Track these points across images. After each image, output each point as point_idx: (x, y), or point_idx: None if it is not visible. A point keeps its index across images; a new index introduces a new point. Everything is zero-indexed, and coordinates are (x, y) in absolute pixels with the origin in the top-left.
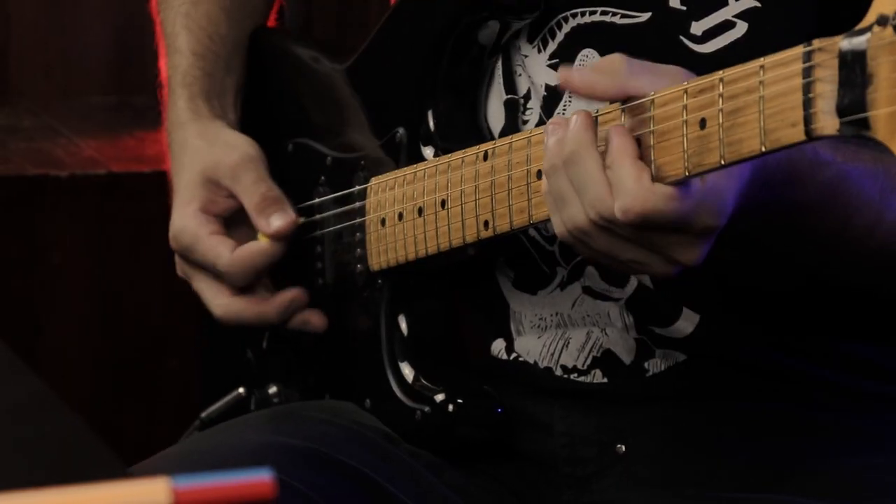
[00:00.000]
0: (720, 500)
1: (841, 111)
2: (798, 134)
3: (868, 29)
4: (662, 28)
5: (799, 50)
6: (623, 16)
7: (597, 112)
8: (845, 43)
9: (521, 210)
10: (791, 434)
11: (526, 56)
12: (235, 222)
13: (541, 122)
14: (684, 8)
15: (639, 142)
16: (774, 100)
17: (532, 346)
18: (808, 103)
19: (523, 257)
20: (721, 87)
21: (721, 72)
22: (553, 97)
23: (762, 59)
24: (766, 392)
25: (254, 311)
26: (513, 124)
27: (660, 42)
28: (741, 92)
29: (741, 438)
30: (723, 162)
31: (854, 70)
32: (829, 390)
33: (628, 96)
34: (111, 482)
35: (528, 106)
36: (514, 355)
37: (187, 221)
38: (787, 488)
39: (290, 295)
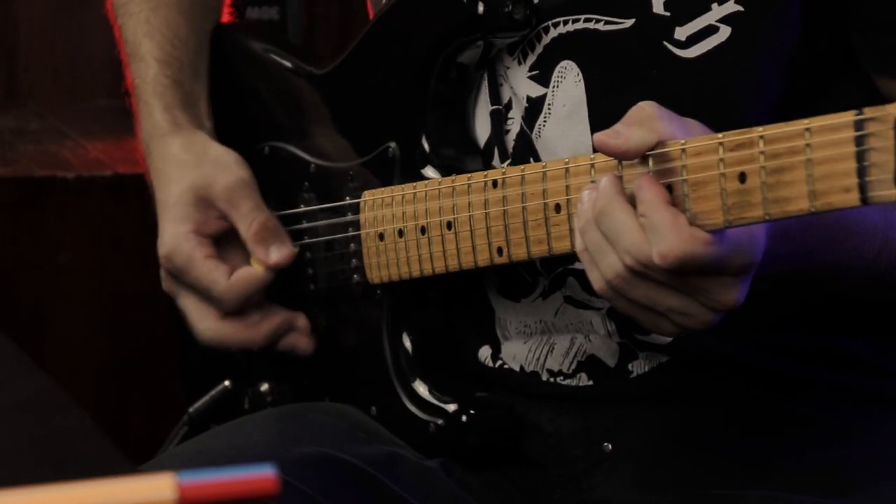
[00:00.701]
0: (705, 497)
1: None
2: (853, 200)
3: None
4: (646, 34)
5: (849, 117)
6: (607, 22)
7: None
8: None
9: (539, 241)
10: (773, 431)
11: (508, 68)
12: (224, 241)
13: (522, 132)
14: (668, 13)
15: (670, 189)
16: (824, 164)
17: (518, 351)
18: (862, 171)
19: (508, 266)
20: (762, 144)
21: (760, 128)
22: (534, 109)
23: (806, 120)
24: (748, 391)
25: (241, 336)
26: (497, 134)
27: (644, 48)
28: (784, 152)
29: (724, 436)
30: (768, 217)
31: None
32: (810, 388)
33: (660, 141)
34: (118, 478)
35: (510, 116)
36: (499, 363)
37: (181, 243)
38: (769, 484)
39: (276, 321)
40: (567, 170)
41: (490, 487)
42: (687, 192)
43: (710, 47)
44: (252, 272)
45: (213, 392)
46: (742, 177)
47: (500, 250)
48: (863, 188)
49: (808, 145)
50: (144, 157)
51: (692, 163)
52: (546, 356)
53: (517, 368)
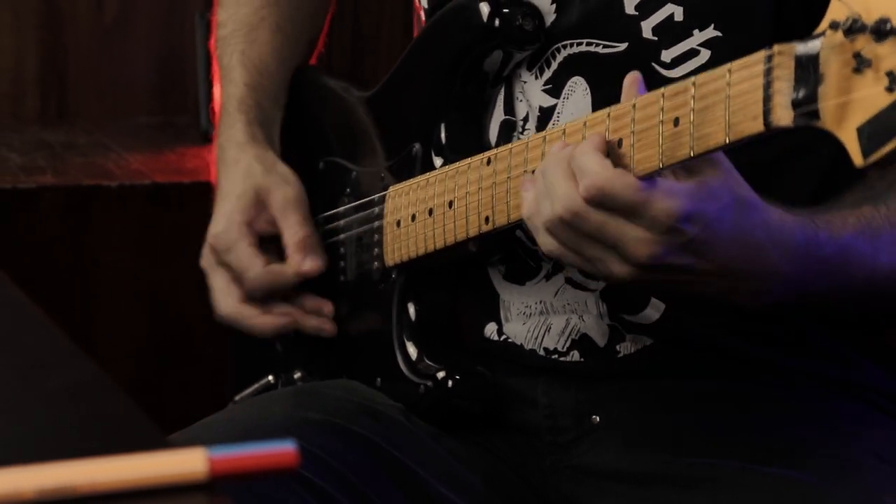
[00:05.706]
0: (681, 466)
1: (795, 104)
2: (758, 125)
3: (822, 34)
4: (637, 56)
5: (762, 54)
6: (605, 46)
7: (585, 120)
8: (801, 47)
9: (517, 206)
10: (745, 409)
11: (525, 82)
12: (266, 244)
13: None
14: (656, 38)
15: (620, 143)
16: (739, 97)
17: (518, 331)
18: (767, 99)
19: (514, 254)
20: (693, 89)
21: (693, 77)
22: (545, 117)
23: (730, 63)
24: (724, 372)
25: (252, 321)
26: (507, 142)
27: (635, 68)
28: (711, 92)
29: (701, 412)
30: (692, 153)
31: (808, 69)
32: (778, 372)
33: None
34: (156, 452)
35: (527, 127)
36: (504, 337)
37: (232, 227)
38: (738, 456)
39: (283, 321)
40: (545, 138)
41: (475, 456)
42: (633, 143)
43: (692, 68)
44: (284, 269)
45: (256, 385)
46: (676, 121)
47: (486, 219)
48: (766, 114)
49: (728, 83)
50: (217, 157)
51: (639, 115)
52: (543, 336)
53: (518, 343)
